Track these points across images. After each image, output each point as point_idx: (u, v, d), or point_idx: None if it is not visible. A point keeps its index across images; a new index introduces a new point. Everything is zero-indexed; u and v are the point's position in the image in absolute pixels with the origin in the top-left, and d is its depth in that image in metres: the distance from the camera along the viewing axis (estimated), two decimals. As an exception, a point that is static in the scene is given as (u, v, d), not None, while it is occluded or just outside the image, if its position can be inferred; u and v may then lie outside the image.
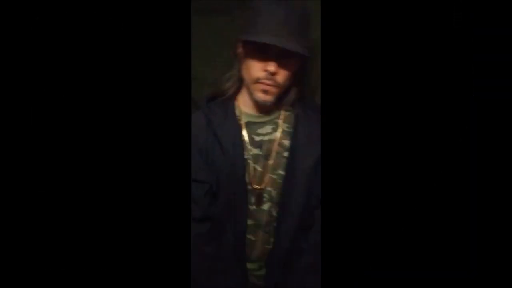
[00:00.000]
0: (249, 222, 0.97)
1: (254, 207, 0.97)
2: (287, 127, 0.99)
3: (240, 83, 0.99)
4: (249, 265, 0.99)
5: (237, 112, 1.00)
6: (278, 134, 0.98)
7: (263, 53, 0.90)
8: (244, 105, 1.00)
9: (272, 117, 0.99)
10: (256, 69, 0.92)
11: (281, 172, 0.97)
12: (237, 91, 1.01)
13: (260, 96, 0.93)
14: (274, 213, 0.97)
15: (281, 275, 0.98)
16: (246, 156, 0.96)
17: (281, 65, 0.91)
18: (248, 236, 0.98)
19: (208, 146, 0.96)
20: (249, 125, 0.99)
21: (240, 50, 0.95)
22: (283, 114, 0.99)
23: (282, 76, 0.92)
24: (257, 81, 0.93)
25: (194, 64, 1.23)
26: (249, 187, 0.96)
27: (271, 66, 0.90)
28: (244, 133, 0.98)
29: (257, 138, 0.98)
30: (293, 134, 0.98)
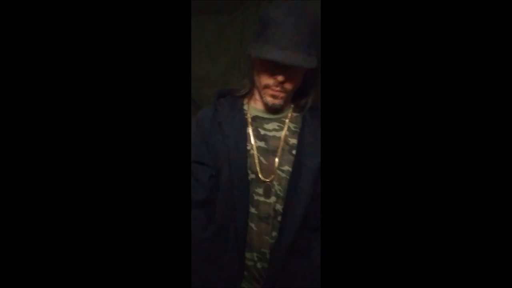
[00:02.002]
0: (252, 211, 1.00)
1: (261, 198, 1.00)
2: (294, 127, 1.04)
3: (252, 85, 1.04)
4: (248, 254, 1.01)
5: (245, 108, 1.05)
6: (284, 132, 1.03)
7: (271, 63, 0.95)
8: (254, 103, 1.05)
9: (279, 115, 1.05)
10: (265, 77, 0.98)
11: (288, 168, 1.00)
12: (249, 92, 1.06)
13: (269, 100, 1.00)
14: (279, 208, 0.99)
15: (281, 271, 0.99)
16: (248, 147, 1.00)
17: (289, 74, 0.96)
18: (250, 224, 1.00)
19: (212, 134, 1.01)
20: (255, 119, 1.04)
21: (251, 57, 1.00)
22: (290, 114, 1.05)
23: (290, 83, 0.98)
24: (266, 87, 0.99)
25: (194, 64, 1.24)
26: (256, 177, 0.99)
27: (279, 76, 0.96)
28: (249, 126, 1.03)
29: (262, 132, 1.03)
30: (300, 134, 1.03)
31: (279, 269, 0.99)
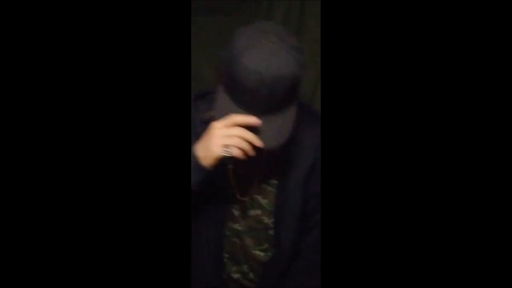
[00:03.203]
0: (235, 226, 0.97)
1: (238, 212, 0.97)
2: None
3: None
4: (235, 268, 1.00)
5: None
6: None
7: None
8: None
9: None
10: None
11: (274, 181, 0.96)
12: None
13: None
14: (267, 221, 0.97)
15: (278, 279, 0.99)
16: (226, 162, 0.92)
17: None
18: (233, 239, 0.98)
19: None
20: None
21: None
22: None
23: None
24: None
25: (194, 64, 1.24)
26: (233, 193, 0.95)
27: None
28: None
29: None
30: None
31: (276, 277, 0.99)
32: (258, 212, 0.96)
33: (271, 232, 0.97)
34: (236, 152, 0.79)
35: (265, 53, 0.76)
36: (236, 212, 0.96)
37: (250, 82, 0.77)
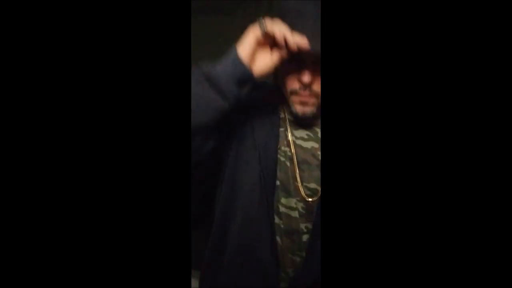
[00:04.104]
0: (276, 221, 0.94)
1: (287, 211, 0.93)
2: None
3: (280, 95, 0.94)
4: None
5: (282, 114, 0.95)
6: (313, 143, 0.94)
7: (296, 62, 0.85)
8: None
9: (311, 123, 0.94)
10: (290, 81, 0.88)
11: (316, 186, 0.93)
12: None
13: (299, 109, 0.89)
14: (308, 226, 0.93)
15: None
16: (283, 153, 0.92)
17: (316, 72, 0.85)
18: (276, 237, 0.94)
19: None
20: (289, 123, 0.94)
21: None
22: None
23: (319, 85, 0.86)
24: (293, 93, 0.88)
25: (194, 64, 1.24)
26: (283, 186, 0.92)
27: (305, 77, 0.84)
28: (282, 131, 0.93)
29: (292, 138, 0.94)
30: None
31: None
32: (296, 214, 0.93)
33: (305, 238, 0.93)
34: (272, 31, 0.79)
35: None
36: (281, 209, 0.93)
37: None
